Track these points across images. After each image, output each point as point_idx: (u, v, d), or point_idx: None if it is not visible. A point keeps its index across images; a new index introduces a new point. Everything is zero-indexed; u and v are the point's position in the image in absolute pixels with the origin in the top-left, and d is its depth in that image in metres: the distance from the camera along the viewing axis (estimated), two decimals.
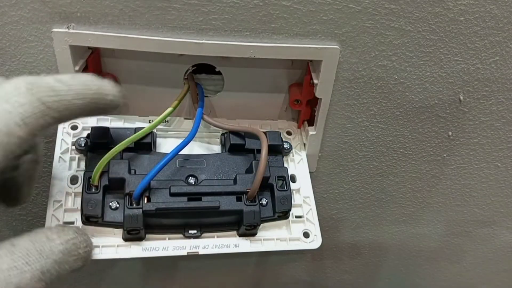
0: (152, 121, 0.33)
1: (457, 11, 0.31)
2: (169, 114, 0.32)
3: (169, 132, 0.34)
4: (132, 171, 0.30)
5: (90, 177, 0.29)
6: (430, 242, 0.50)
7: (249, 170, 0.32)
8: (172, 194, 0.30)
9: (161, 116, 0.32)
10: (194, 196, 0.30)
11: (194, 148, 0.34)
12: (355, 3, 0.29)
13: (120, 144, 0.30)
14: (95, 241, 0.29)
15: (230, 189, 0.31)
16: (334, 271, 0.53)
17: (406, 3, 0.30)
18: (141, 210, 0.28)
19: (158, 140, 0.33)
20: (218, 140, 0.35)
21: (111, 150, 0.29)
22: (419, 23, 0.31)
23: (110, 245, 0.29)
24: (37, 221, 0.40)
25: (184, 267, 0.49)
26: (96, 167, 0.29)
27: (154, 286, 0.50)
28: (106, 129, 0.31)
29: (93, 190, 0.29)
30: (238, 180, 0.31)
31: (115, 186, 0.29)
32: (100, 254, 0.28)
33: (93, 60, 0.32)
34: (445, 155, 0.40)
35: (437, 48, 0.32)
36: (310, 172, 0.35)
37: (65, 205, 0.29)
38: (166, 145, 0.34)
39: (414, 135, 0.38)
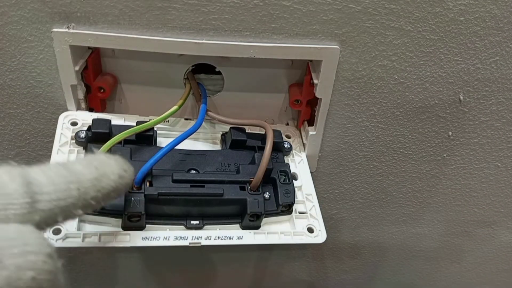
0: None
1: (457, 11, 0.31)
2: (174, 112, 0.32)
3: (170, 132, 0.34)
4: (134, 158, 0.30)
5: None
6: (430, 242, 0.50)
7: (251, 162, 0.32)
8: (175, 181, 0.29)
9: (166, 113, 0.32)
10: (197, 184, 0.30)
11: (196, 146, 0.34)
12: (355, 3, 0.29)
13: (122, 133, 0.30)
14: (93, 229, 0.28)
15: (233, 177, 0.30)
16: (334, 271, 0.53)
17: (406, 3, 0.30)
18: (143, 194, 0.28)
19: (159, 139, 0.33)
20: (219, 141, 0.35)
21: (113, 138, 0.29)
22: (419, 23, 0.31)
23: (108, 233, 0.28)
24: None
25: (183, 268, 0.49)
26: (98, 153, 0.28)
27: (153, 286, 0.50)
28: (107, 121, 0.31)
29: None
30: (241, 170, 0.31)
31: None
32: (99, 242, 0.28)
33: (93, 60, 0.32)
34: (445, 155, 0.40)
35: (437, 48, 0.32)
36: (310, 172, 0.35)
37: None
38: (166, 143, 0.34)
39: (414, 135, 0.38)
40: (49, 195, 0.19)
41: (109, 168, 0.22)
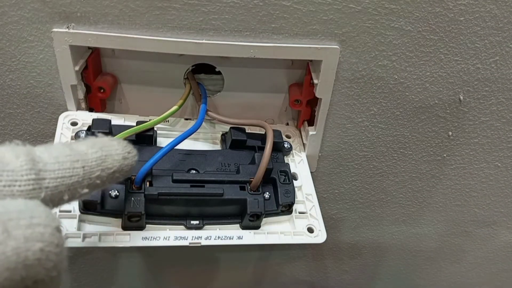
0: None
1: (457, 11, 0.31)
2: (174, 112, 0.32)
3: (170, 132, 0.34)
4: None
5: None
6: (430, 242, 0.50)
7: (251, 162, 0.32)
8: (175, 181, 0.29)
9: (166, 113, 0.32)
10: (197, 184, 0.30)
11: (196, 146, 0.34)
12: (355, 3, 0.29)
13: (122, 133, 0.30)
14: (93, 229, 0.28)
15: (233, 177, 0.30)
16: (334, 271, 0.53)
17: (406, 3, 0.30)
18: (143, 194, 0.28)
19: (159, 139, 0.33)
20: (219, 141, 0.35)
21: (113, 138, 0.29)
22: (419, 23, 0.31)
23: (108, 233, 0.28)
24: None
25: (183, 268, 0.49)
26: None
27: (153, 286, 0.50)
28: (107, 121, 0.31)
29: None
30: (241, 170, 0.31)
31: None
32: (99, 242, 0.28)
33: (93, 60, 0.32)
34: (445, 155, 0.40)
35: (437, 48, 0.32)
36: (310, 172, 0.35)
37: None
38: (166, 143, 0.34)
39: (414, 135, 0.38)
40: (54, 172, 0.19)
41: (113, 149, 0.22)
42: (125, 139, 0.30)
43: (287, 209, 0.32)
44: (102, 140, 0.22)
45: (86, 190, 0.21)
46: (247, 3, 0.29)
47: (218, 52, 0.30)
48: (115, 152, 0.22)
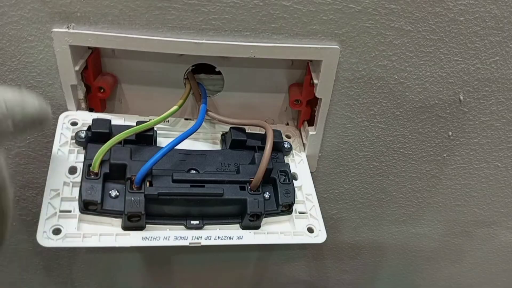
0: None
1: (457, 11, 0.31)
2: (174, 112, 0.32)
3: (170, 132, 0.34)
4: (134, 158, 0.30)
5: (90, 165, 0.29)
6: (430, 242, 0.50)
7: (251, 162, 0.32)
8: (175, 181, 0.29)
9: (166, 113, 0.32)
10: (197, 184, 0.30)
11: (196, 146, 0.34)
12: (355, 3, 0.29)
13: (122, 133, 0.30)
14: (93, 229, 0.28)
15: (233, 177, 0.30)
16: (334, 271, 0.53)
17: (406, 3, 0.30)
18: (143, 194, 0.28)
19: (159, 139, 0.33)
20: (219, 141, 0.35)
21: (113, 138, 0.29)
22: (419, 23, 0.31)
23: (109, 234, 0.28)
24: (37, 221, 0.40)
25: (183, 268, 0.49)
26: (97, 153, 0.28)
27: (153, 286, 0.50)
28: (107, 121, 0.31)
29: (93, 177, 0.28)
30: (241, 170, 0.31)
31: (116, 174, 0.29)
32: (99, 242, 0.28)
33: (93, 60, 0.32)
34: (445, 155, 0.40)
35: (437, 48, 0.32)
36: (310, 172, 0.35)
37: (62, 193, 0.28)
38: (166, 143, 0.34)
39: (414, 135, 0.38)
40: None
41: (30, 98, 0.24)
42: (125, 139, 0.30)
43: (287, 209, 0.32)
44: (18, 89, 0.24)
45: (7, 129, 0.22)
46: (247, 3, 0.29)
47: (218, 52, 0.30)
48: (32, 100, 0.24)
